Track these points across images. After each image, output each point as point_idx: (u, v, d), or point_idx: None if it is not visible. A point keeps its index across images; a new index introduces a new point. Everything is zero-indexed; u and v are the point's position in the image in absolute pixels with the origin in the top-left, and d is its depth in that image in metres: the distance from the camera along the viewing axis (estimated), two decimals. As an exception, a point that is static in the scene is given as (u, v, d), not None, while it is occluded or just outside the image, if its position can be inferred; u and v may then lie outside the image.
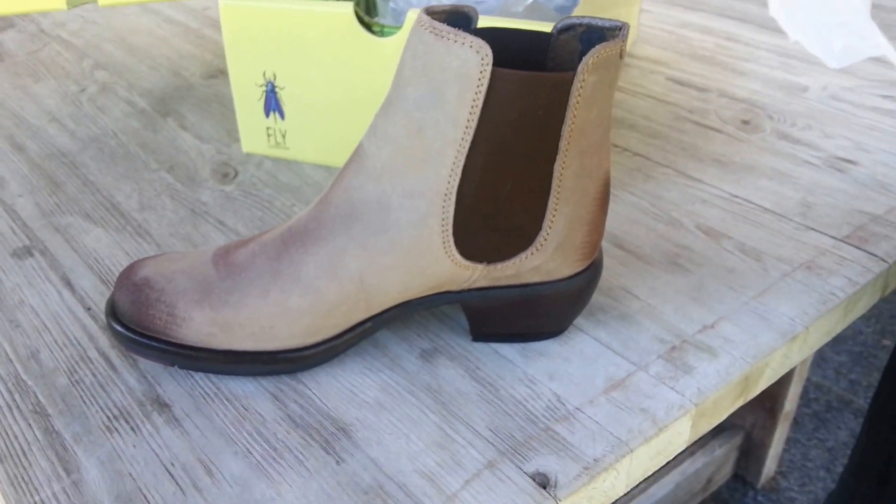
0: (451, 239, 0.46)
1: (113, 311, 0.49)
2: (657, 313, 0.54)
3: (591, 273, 0.50)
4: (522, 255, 0.47)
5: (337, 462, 0.44)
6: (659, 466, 0.48)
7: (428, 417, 0.47)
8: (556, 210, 0.46)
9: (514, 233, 0.46)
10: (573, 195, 0.46)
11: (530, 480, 0.43)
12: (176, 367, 0.49)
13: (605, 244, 0.60)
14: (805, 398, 1.42)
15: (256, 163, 0.73)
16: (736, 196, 0.65)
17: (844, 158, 0.70)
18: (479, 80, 0.41)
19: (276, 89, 0.68)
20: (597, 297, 0.55)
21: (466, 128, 0.43)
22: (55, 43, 0.99)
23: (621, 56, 0.43)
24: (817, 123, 0.75)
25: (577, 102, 0.43)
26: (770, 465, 1.25)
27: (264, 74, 0.68)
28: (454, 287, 0.48)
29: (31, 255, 0.61)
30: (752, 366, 0.50)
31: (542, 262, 0.47)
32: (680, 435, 0.48)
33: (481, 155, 0.44)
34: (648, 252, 0.60)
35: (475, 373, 0.50)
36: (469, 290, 0.49)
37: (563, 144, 0.44)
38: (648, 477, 1.25)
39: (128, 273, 0.49)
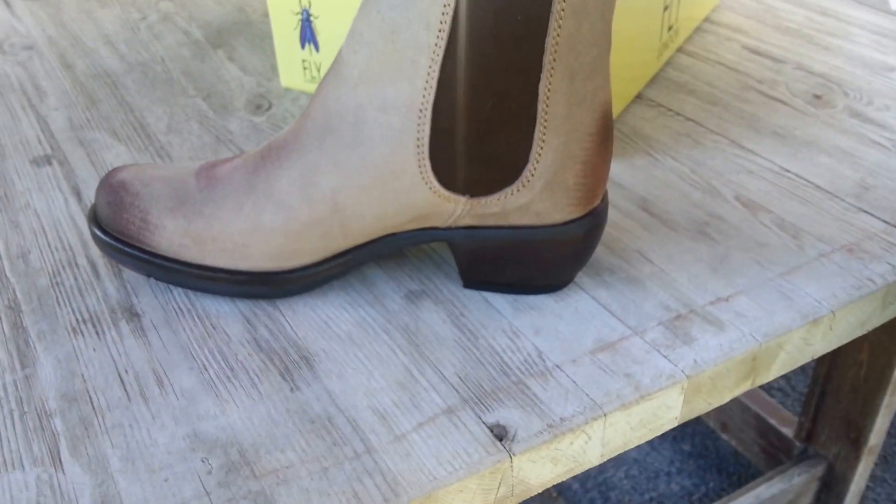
0: (428, 163, 0.42)
1: (94, 217, 0.48)
2: (669, 280, 0.50)
3: (588, 223, 0.46)
4: (508, 191, 0.44)
5: (291, 389, 0.42)
6: (644, 440, 0.44)
7: (397, 357, 0.44)
8: (543, 141, 0.42)
9: (498, 164, 0.43)
10: (563, 125, 0.42)
11: (487, 431, 0.40)
12: (153, 278, 0.48)
13: (630, 206, 0.56)
14: (898, 436, 1.32)
15: (293, 98, 0.71)
16: (787, 170, 0.60)
17: (919, 142, 0.63)
18: None
19: (311, 18, 0.66)
20: (606, 258, 0.51)
21: (440, 31, 0.39)
22: (131, -26, 1.00)
23: None
24: (897, 105, 0.68)
25: (563, 10, 0.39)
26: (851, 502, 1.17)
27: (300, 1, 0.66)
28: (439, 223, 0.45)
29: (50, 163, 0.61)
30: (762, 344, 0.45)
31: (530, 200, 0.44)
32: (669, 409, 0.44)
33: (457, 66, 0.40)
34: (676, 218, 0.55)
35: (458, 319, 0.47)
36: (455, 229, 0.46)
37: (547, 60, 0.40)
38: (722, 496, 1.19)
39: (108, 176, 0.48)
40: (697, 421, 1.31)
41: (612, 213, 0.55)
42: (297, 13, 0.67)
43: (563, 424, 0.40)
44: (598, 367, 0.44)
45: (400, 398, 0.42)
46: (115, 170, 0.48)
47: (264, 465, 0.38)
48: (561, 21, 0.39)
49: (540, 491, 0.41)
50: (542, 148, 0.42)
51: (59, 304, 0.48)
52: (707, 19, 0.85)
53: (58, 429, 0.40)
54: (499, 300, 0.48)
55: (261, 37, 0.83)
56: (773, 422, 1.17)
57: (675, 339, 0.45)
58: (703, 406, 0.45)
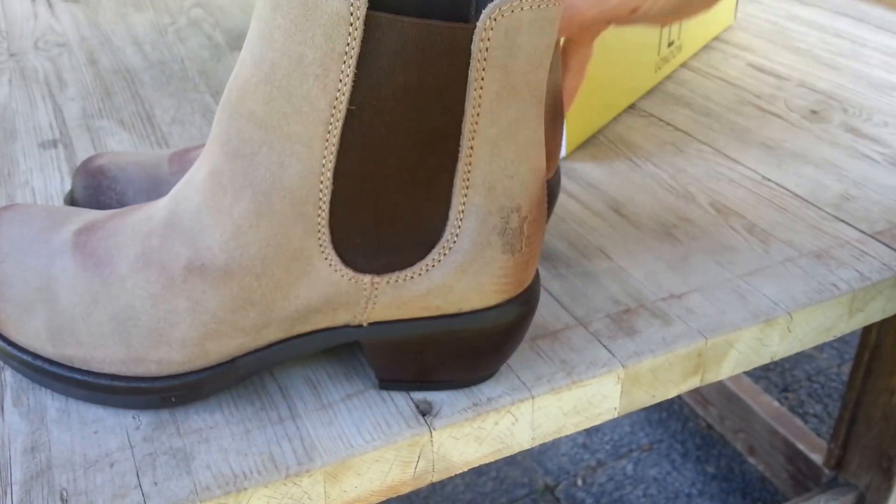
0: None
1: (71, 199, 0.50)
2: (624, 276, 0.50)
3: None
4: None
5: (233, 358, 0.44)
6: (580, 427, 0.44)
7: (342, 334, 0.45)
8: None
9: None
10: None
11: (413, 406, 0.41)
12: (122, 251, 0.50)
13: (600, 206, 0.56)
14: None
15: (298, 98, 0.73)
16: (769, 179, 0.60)
17: (911, 158, 0.62)
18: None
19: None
20: (566, 252, 0.52)
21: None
22: (169, -17, 1.04)
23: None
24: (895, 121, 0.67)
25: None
26: (882, 535, 1.13)
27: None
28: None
29: (56, 147, 0.65)
30: (709, 341, 0.45)
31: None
32: (605, 398, 0.44)
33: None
34: (644, 220, 0.55)
35: (409, 302, 0.48)
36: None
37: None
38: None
39: (86, 162, 0.50)
40: (724, 443, 1.29)
41: (580, 212, 0.56)
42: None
43: (489, 404, 0.41)
44: (535, 352, 0.44)
45: (335, 371, 0.43)
46: (92, 157, 0.51)
47: (190, 425, 0.40)
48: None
49: (464, 469, 0.42)
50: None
51: (33, 271, 0.50)
52: (718, 38, 0.85)
53: (6, 381, 0.42)
54: (452, 287, 0.49)
55: (279, 42, 0.86)
56: (802, 447, 1.14)
57: (618, 330, 0.45)
58: (645, 398, 0.45)
